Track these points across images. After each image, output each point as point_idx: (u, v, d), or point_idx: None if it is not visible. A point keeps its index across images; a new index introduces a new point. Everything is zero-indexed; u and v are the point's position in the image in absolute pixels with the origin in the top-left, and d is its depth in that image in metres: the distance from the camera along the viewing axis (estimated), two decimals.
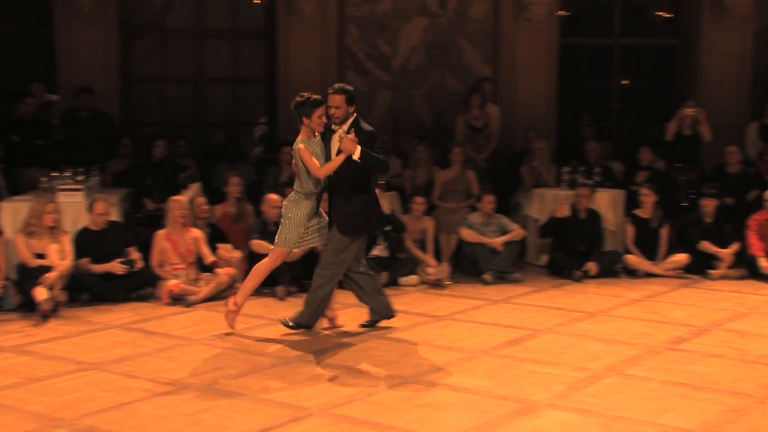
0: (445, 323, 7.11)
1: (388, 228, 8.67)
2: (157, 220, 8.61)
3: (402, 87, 11.56)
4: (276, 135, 11.33)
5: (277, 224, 8.33)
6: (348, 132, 6.36)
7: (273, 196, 8.46)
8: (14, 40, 11.48)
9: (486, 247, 8.93)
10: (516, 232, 9.15)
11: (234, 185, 8.92)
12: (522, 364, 5.88)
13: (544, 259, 9.60)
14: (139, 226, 8.99)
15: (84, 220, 8.17)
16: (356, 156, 6.29)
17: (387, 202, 9.08)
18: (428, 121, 11.63)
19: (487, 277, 8.70)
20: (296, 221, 6.49)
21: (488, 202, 9.13)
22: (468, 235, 9.04)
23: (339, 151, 6.39)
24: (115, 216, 8.31)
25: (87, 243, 7.91)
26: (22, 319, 7.21)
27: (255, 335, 6.66)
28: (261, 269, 6.70)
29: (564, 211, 9.18)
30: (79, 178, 8.64)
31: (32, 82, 10.50)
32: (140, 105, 11.80)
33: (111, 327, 6.93)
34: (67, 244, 7.76)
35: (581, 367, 5.81)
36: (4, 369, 5.76)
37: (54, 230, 7.71)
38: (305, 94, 6.49)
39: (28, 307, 7.33)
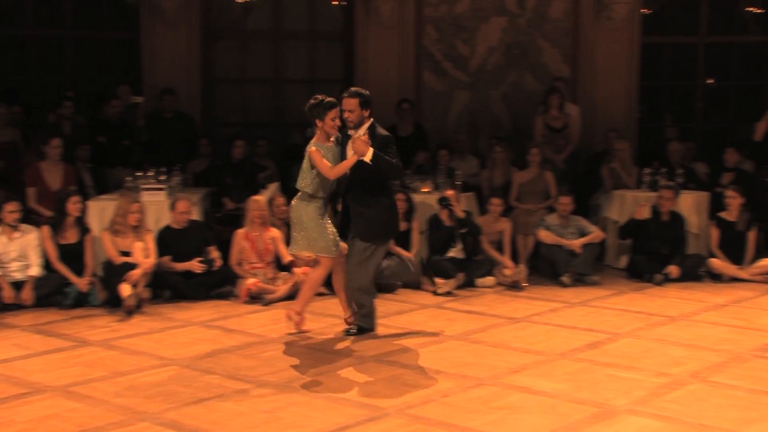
0: (521, 325, 7.06)
1: (463, 230, 8.65)
2: (237, 220, 8.76)
3: (480, 87, 11.52)
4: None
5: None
6: (370, 135, 6.29)
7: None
8: (102, 44, 11.83)
9: (564, 249, 8.83)
10: (595, 234, 9.02)
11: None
12: (601, 368, 5.79)
13: (623, 261, 9.45)
14: (219, 225, 9.16)
15: (166, 219, 8.36)
16: (368, 158, 6.16)
17: (463, 203, 9.07)
18: (506, 122, 11.56)
19: (564, 279, 8.60)
20: (316, 221, 6.37)
21: (565, 203, 9.02)
22: (546, 236, 8.95)
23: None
24: (196, 215, 8.48)
25: (169, 241, 8.09)
26: (107, 314, 7.42)
27: (331, 334, 6.72)
28: (316, 280, 6.63)
29: (644, 213, 9.01)
30: (162, 177, 8.85)
31: (119, 85, 10.79)
32: (221, 106, 12.02)
33: (192, 324, 7.08)
34: (151, 242, 7.95)
35: (662, 373, 5.69)
36: (92, 362, 5.94)
37: (138, 229, 7.92)
38: (319, 96, 6.39)
39: (113, 303, 7.54)
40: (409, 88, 11.32)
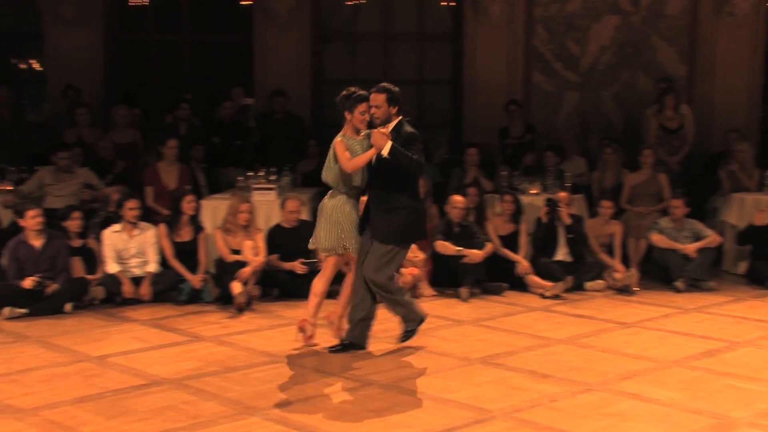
0: (633, 330, 6.89)
1: (570, 236, 8.51)
2: None
3: (591, 87, 11.32)
4: (461, 136, 11.36)
5: (461, 225, 8.42)
6: (395, 132, 5.98)
7: (457, 197, 8.50)
8: (216, 47, 12.16)
9: (678, 254, 8.58)
10: (711, 238, 8.73)
11: (419, 186, 9.00)
12: (718, 378, 5.59)
13: (742, 267, 9.10)
14: None
15: (276, 218, 8.52)
16: (385, 152, 5.83)
17: (573, 207, 8.91)
18: (618, 122, 11.31)
19: (678, 284, 8.35)
20: (347, 215, 6.14)
21: (678, 206, 8.76)
22: (659, 240, 8.71)
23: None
24: (305, 215, 8.60)
25: (279, 240, 8.23)
26: (219, 311, 7.61)
27: (438, 336, 6.71)
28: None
29: (764, 219, 8.66)
30: (272, 177, 9.03)
31: (232, 87, 11.07)
32: (330, 107, 12.16)
33: None
34: (261, 241, 8.12)
35: None
36: (205, 357, 6.11)
37: (248, 227, 8.09)
38: (352, 88, 6.21)
39: (225, 300, 7.74)
40: (518, 89, 11.22)
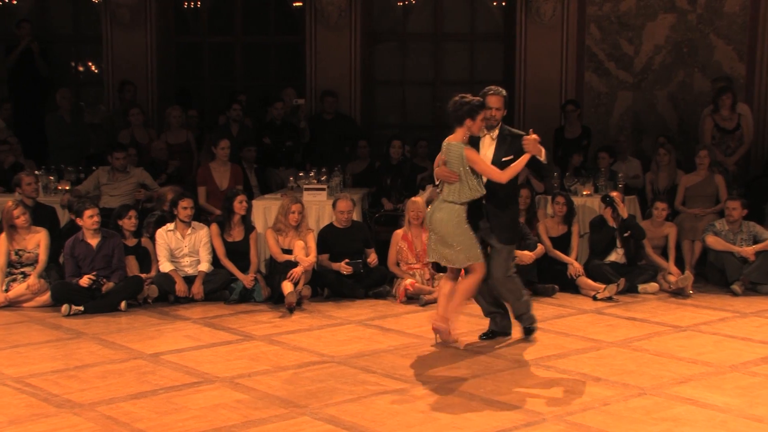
0: (687, 334, 6.78)
1: (626, 234, 8.41)
2: (395, 220, 8.86)
3: (645, 87, 11.17)
4: None
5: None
6: (503, 136, 6.23)
7: None
8: (269, 49, 12.26)
9: (735, 256, 8.42)
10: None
11: None
12: None
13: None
14: (377, 225, 9.29)
15: (327, 218, 8.56)
16: (543, 157, 6.09)
17: (628, 207, 8.80)
18: (672, 123, 11.15)
19: (736, 287, 8.19)
20: (466, 228, 6.10)
21: (735, 208, 8.59)
22: (714, 242, 8.56)
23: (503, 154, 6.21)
24: (356, 215, 8.62)
25: (331, 240, 8.27)
26: (270, 310, 7.67)
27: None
28: (471, 287, 6.28)
29: None
30: (323, 177, 9.07)
31: (284, 88, 11.15)
32: (380, 107, 12.20)
33: (350, 322, 7.21)
34: (312, 241, 8.15)
35: None
36: (256, 356, 6.16)
37: (299, 227, 8.14)
38: (464, 95, 6.22)
39: (275, 300, 7.81)
40: (571, 89, 11.12)
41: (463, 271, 6.28)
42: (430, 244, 6.30)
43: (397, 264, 8.28)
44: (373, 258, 8.29)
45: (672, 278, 8.32)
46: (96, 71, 12.56)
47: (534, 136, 6.10)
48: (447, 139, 6.20)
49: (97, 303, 7.50)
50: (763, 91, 10.88)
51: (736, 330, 6.90)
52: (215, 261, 8.14)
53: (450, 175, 6.07)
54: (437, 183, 6.30)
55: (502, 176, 6.09)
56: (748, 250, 8.42)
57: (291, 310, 7.52)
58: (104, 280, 7.57)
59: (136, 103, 10.73)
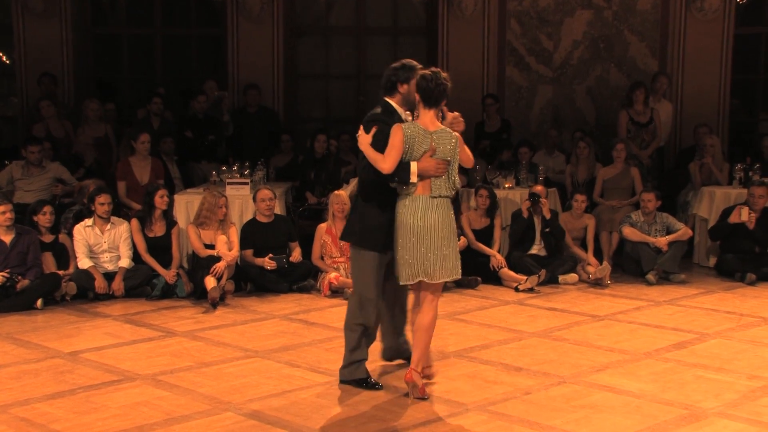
0: (605, 323, 6.94)
1: (546, 230, 8.56)
2: (319, 214, 8.84)
3: (564, 82, 11.36)
4: None
5: None
6: None
7: None
8: (189, 41, 12.07)
9: (650, 247, 8.65)
10: (682, 231, 8.81)
11: None
12: (688, 369, 5.65)
13: (712, 260, 9.20)
14: (301, 219, 9.25)
15: (250, 213, 8.48)
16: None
17: (549, 199, 8.95)
18: (590, 116, 11.38)
19: (650, 277, 8.42)
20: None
21: (650, 199, 8.83)
22: (631, 233, 8.78)
23: None
24: (279, 209, 8.57)
25: (253, 234, 8.20)
26: (193, 306, 7.58)
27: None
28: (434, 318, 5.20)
29: (742, 217, 8.71)
30: (246, 171, 8.99)
31: (206, 81, 11.00)
32: (303, 101, 12.15)
33: (274, 317, 7.17)
34: (234, 235, 8.08)
35: (756, 376, 5.52)
36: (178, 353, 6.08)
37: (222, 222, 8.05)
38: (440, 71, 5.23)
39: (198, 295, 7.71)
40: (492, 83, 11.25)
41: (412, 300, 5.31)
42: (417, 256, 5.00)
43: (321, 258, 8.26)
44: (297, 252, 8.25)
45: (591, 269, 8.50)
46: (8, 62, 12.17)
47: (456, 113, 5.32)
48: (410, 124, 5.09)
49: (11, 301, 7.29)
50: (676, 87, 11.18)
51: (650, 318, 7.10)
52: (136, 257, 8.00)
53: (442, 167, 5.03)
54: (412, 180, 4.98)
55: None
56: (662, 241, 8.66)
57: (214, 305, 7.44)
58: (19, 277, 7.37)
59: (50, 95, 10.43)
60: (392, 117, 5.15)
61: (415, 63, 5.26)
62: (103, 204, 7.89)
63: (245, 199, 8.69)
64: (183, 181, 9.77)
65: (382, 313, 5.42)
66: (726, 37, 11.20)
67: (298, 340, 6.42)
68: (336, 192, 8.48)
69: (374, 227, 5.17)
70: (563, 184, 9.94)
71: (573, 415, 4.80)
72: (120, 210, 8.63)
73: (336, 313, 7.31)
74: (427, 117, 5.09)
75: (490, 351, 6.10)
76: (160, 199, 8.05)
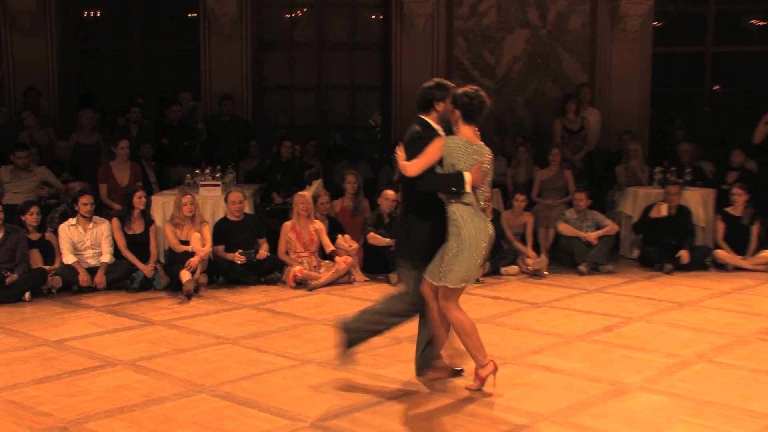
0: (543, 310, 7.00)
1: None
2: (284, 213, 8.80)
3: (505, 93, 11.44)
4: (390, 137, 11.39)
5: (391, 217, 8.43)
6: None
7: (389, 191, 8.52)
8: (165, 55, 11.94)
9: (582, 241, 8.76)
10: (610, 227, 8.93)
11: (350, 182, 9.02)
12: (615, 350, 5.73)
13: (636, 252, 9.34)
14: (268, 218, 9.20)
15: (222, 212, 8.42)
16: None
17: (493, 201, 9.00)
18: (529, 125, 11.47)
19: (582, 268, 8.52)
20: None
21: (581, 199, 8.94)
22: (565, 229, 8.88)
23: None
24: (248, 209, 8.52)
25: (224, 232, 8.15)
26: (169, 297, 7.50)
27: None
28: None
29: (661, 212, 8.88)
30: (218, 175, 8.92)
31: (181, 92, 10.88)
32: (270, 110, 12.07)
33: (244, 307, 7.12)
34: (207, 232, 8.01)
35: (672, 354, 5.62)
36: (156, 340, 6.01)
37: (195, 220, 7.98)
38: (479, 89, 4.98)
39: (174, 288, 7.63)
40: None
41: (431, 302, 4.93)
42: (482, 258, 4.80)
43: (287, 253, 8.23)
44: (264, 248, 8.21)
45: (530, 261, 8.57)
46: None
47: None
48: (452, 137, 4.85)
49: (0, 294, 7.14)
50: (603, 98, 11.32)
51: (582, 305, 7.18)
52: (117, 253, 7.89)
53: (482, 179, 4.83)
54: (466, 189, 4.71)
55: None
56: (592, 236, 8.77)
57: (189, 296, 7.37)
58: (8, 272, 7.24)
59: (32, 106, 10.24)
60: (434, 133, 4.87)
61: (448, 82, 5.03)
62: (86, 204, 7.78)
63: (217, 200, 8.61)
64: (159, 184, 9.66)
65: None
66: (645, 55, 11.38)
67: (265, 327, 6.38)
68: (300, 193, 8.45)
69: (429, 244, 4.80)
70: (505, 185, 10.02)
71: (514, 393, 4.83)
72: (102, 210, 8.52)
73: (300, 303, 7.29)
74: (469, 131, 4.88)
75: None
76: (138, 200, 7.96)
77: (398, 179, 5.54)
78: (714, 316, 6.72)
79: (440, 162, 4.74)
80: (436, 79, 5.07)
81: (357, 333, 5.07)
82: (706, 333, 6.18)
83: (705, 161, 10.62)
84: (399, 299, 5.05)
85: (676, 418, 4.45)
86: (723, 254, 8.78)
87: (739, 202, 8.93)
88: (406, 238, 4.92)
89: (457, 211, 4.73)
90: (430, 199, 4.79)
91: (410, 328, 6.29)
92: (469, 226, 4.71)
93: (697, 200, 9.31)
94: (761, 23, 12.01)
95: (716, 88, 12.17)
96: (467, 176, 4.70)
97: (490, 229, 4.82)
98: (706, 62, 11.95)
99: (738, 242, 8.86)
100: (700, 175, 10.04)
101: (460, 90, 4.89)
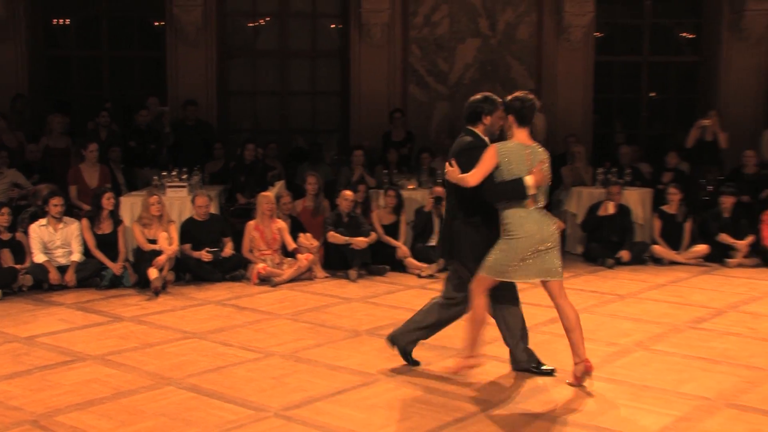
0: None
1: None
2: (248, 213, 8.75)
3: (458, 99, 11.47)
4: (348, 140, 11.39)
5: (350, 216, 8.44)
6: None
7: (347, 192, 8.53)
8: (133, 62, 11.78)
9: None
10: (556, 225, 8.98)
11: (311, 183, 9.00)
12: (560, 340, 5.72)
13: (580, 248, 9.47)
14: (233, 218, 9.14)
15: (188, 212, 8.34)
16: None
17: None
18: None
19: None
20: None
21: None
22: None
23: None
24: (213, 209, 8.46)
25: (192, 231, 8.07)
26: (138, 294, 7.41)
27: (330, 312, 6.72)
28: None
29: (608, 210, 9.02)
30: (184, 176, 8.83)
31: (148, 97, 10.75)
32: (234, 114, 11.98)
33: (209, 303, 7.07)
34: (174, 231, 7.94)
35: (613, 343, 5.72)
36: (125, 335, 5.94)
37: (162, 219, 7.90)
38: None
39: (142, 285, 7.54)
40: (397, 100, 11.31)
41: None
42: (521, 258, 4.77)
43: (251, 251, 8.18)
44: (229, 246, 8.15)
45: None
46: None
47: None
48: (505, 143, 4.88)
49: None
50: (549, 104, 11.43)
51: (530, 298, 7.02)
52: (87, 252, 7.77)
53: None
54: (531, 192, 4.72)
55: None
56: None
57: (156, 293, 7.29)
58: None
59: (19, 112, 10.04)
60: (484, 143, 4.89)
61: (496, 97, 5.00)
62: (56, 205, 7.66)
63: (183, 201, 8.53)
64: (128, 185, 9.53)
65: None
66: (588, 64, 11.55)
67: (230, 322, 6.34)
68: (263, 193, 8.41)
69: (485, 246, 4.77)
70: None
71: (467, 382, 4.86)
72: (71, 211, 8.38)
73: (263, 298, 7.26)
74: (523, 134, 4.85)
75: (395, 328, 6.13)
76: (107, 201, 7.85)
77: (444, 183, 5.38)
78: (651, 307, 6.85)
79: (496, 168, 4.71)
80: (486, 93, 5.07)
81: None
82: (644, 323, 6.30)
83: (643, 163, 10.82)
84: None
85: (616, 403, 4.54)
86: (659, 249, 8.96)
87: (674, 200, 9.11)
88: (452, 242, 4.90)
89: (509, 215, 4.70)
90: (476, 203, 4.77)
91: (370, 322, 6.33)
92: (519, 230, 4.69)
93: (635, 199, 9.48)
94: (691, 36, 12.29)
95: (652, 95, 12.41)
96: (528, 180, 4.67)
97: (545, 229, 4.76)
98: (642, 71, 12.17)
99: (673, 238, 9.04)
100: (639, 175, 10.22)
101: (510, 96, 4.89)
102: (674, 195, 9.11)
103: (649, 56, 12.13)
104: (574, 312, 4.85)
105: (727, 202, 9.02)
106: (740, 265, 8.70)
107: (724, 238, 8.90)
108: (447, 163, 4.87)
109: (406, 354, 5.20)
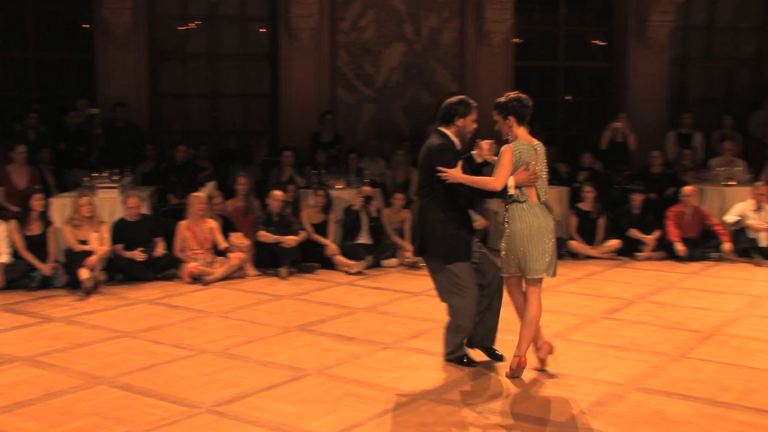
0: (420, 298, 7.12)
1: (372, 224, 8.70)
2: (180, 213, 8.59)
3: (384, 101, 11.56)
4: (278, 141, 11.30)
5: (280, 215, 8.39)
6: None
7: (277, 192, 8.47)
8: (63, 64, 11.39)
9: None
10: (479, 222, 9.18)
11: (241, 184, 8.90)
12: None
13: (503, 245, 9.61)
14: (165, 218, 8.96)
15: (119, 213, 8.14)
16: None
17: (378, 201, 9.09)
18: (406, 130, 11.62)
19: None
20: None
21: None
22: None
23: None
24: (145, 209, 8.28)
25: (122, 231, 7.89)
26: (69, 295, 7.19)
27: (261, 309, 6.67)
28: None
29: None
30: (115, 178, 8.61)
31: (78, 99, 10.43)
32: (166, 116, 11.74)
33: (141, 302, 6.92)
34: (105, 232, 7.75)
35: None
36: (55, 336, 5.76)
37: (93, 220, 7.69)
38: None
39: (73, 285, 7.32)
40: (326, 102, 11.28)
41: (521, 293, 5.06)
42: (519, 251, 4.88)
43: (182, 250, 8.04)
44: (160, 246, 7.99)
45: (407, 254, 8.70)
46: None
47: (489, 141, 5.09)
48: (517, 142, 4.93)
49: None
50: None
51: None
52: (16, 253, 7.50)
53: (534, 177, 4.85)
54: (510, 192, 4.83)
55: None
56: None
57: (88, 293, 7.10)
58: None
59: None
60: (453, 145, 4.90)
61: (472, 100, 5.03)
62: None
63: (114, 201, 8.32)
64: (58, 187, 9.23)
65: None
66: (508, 68, 11.76)
67: (162, 321, 6.23)
68: (195, 194, 8.28)
69: (461, 240, 4.90)
70: (385, 185, 10.13)
71: (394, 374, 4.91)
72: None
73: (195, 297, 7.15)
74: (524, 132, 4.92)
75: (326, 324, 6.15)
76: (36, 202, 7.59)
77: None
78: (568, 300, 7.04)
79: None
80: (461, 96, 5.06)
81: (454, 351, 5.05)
82: (562, 314, 6.46)
83: (561, 163, 11.09)
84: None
85: (536, 391, 4.65)
86: (575, 245, 9.20)
87: (589, 198, 9.37)
88: (424, 238, 4.93)
89: (508, 210, 4.86)
90: (450, 201, 4.86)
91: (299, 318, 6.31)
92: (516, 223, 4.79)
93: (553, 197, 9.66)
94: (602, 43, 12.67)
95: (568, 98, 12.73)
96: (509, 180, 4.78)
97: (542, 223, 4.80)
98: (558, 75, 12.47)
99: (588, 234, 9.30)
100: (556, 174, 10.45)
101: (504, 99, 4.97)
102: (589, 193, 9.37)
103: (564, 61, 12.45)
104: (539, 312, 4.94)
105: (636, 199, 9.34)
106: (648, 259, 9.01)
107: (634, 233, 9.21)
108: (439, 167, 4.88)
109: (488, 351, 5.17)
